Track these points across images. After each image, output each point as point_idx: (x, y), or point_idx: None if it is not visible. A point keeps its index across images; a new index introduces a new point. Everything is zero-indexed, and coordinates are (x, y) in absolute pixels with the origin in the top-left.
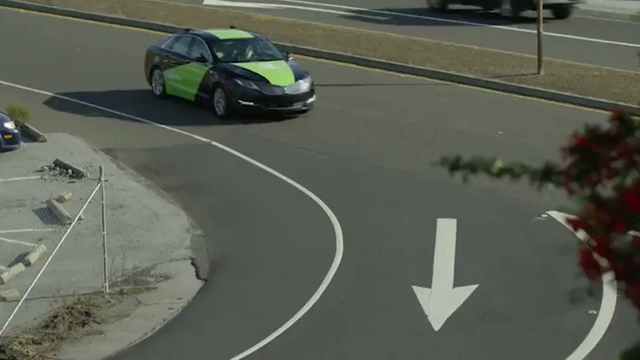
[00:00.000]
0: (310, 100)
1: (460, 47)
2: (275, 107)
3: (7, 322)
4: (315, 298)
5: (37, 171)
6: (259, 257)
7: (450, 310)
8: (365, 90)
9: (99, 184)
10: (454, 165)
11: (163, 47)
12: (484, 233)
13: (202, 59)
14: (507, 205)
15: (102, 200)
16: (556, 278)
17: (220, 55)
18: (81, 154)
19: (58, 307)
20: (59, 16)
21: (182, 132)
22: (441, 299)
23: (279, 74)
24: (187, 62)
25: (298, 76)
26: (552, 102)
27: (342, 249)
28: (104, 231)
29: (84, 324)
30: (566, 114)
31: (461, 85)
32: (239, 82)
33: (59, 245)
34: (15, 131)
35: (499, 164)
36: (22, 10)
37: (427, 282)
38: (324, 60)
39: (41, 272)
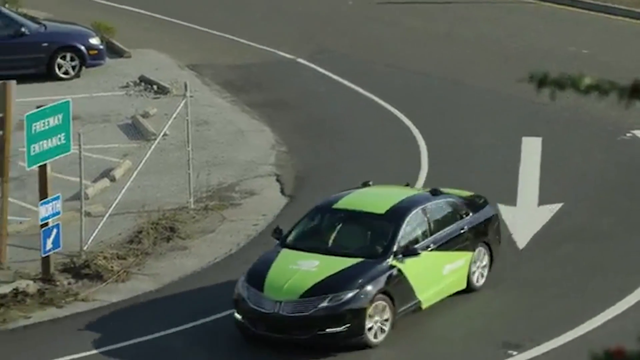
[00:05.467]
0: (334, 329)
1: None
2: (263, 330)
3: (92, 237)
4: None
5: (122, 87)
6: (344, 173)
7: (535, 229)
8: (448, 8)
9: (184, 100)
10: (542, 82)
11: None
12: (569, 152)
13: (277, 232)
14: (593, 123)
15: (187, 116)
16: None
17: (297, 234)
18: (166, 70)
19: (143, 222)
20: None
21: (268, 48)
22: (526, 217)
23: (294, 277)
24: None
25: (319, 288)
26: (638, 21)
27: (427, 166)
28: (188, 147)
29: (168, 239)
30: None
31: (547, 3)
32: (239, 284)
33: (143, 160)
34: (101, 47)
35: (587, 80)
36: None
37: (512, 201)
38: None
39: (126, 187)
